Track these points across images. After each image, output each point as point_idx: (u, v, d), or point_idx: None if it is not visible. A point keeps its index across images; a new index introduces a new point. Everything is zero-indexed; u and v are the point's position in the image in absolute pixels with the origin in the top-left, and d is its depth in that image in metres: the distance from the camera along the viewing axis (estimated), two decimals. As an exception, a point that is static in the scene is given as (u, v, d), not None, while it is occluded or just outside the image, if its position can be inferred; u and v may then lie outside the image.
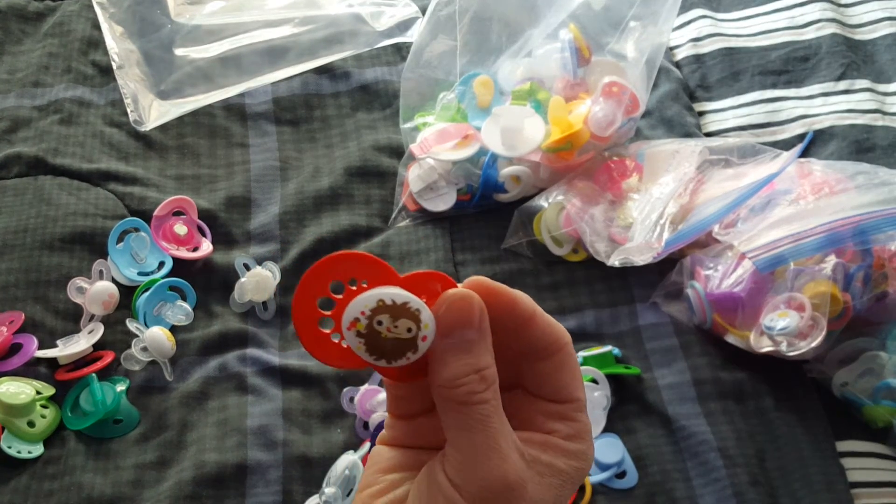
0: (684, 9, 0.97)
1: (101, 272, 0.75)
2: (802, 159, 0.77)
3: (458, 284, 0.32)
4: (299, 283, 0.31)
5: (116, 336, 0.74)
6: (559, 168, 0.79)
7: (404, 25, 0.98)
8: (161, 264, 0.77)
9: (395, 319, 0.30)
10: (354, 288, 0.30)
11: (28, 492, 0.65)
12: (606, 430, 0.67)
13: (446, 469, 0.31)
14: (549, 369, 0.33)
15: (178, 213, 0.80)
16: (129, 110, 0.90)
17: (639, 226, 0.74)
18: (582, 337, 0.73)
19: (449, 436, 0.31)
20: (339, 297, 0.30)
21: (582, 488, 0.64)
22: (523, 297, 0.33)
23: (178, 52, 0.96)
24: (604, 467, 0.64)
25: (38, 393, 0.68)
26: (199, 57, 0.95)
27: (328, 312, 0.31)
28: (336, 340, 0.31)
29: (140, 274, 0.76)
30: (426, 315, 0.30)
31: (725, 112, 0.89)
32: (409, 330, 0.30)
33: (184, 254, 0.78)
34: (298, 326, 0.31)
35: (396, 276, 0.31)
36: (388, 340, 0.30)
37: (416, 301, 0.30)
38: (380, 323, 0.30)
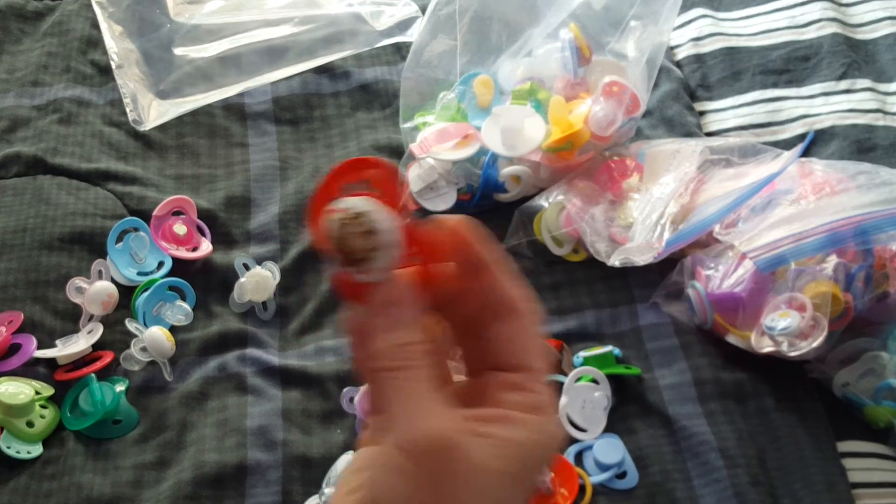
0: (685, 8, 0.97)
1: (100, 272, 0.75)
2: (803, 159, 0.77)
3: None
4: (335, 167, 0.32)
5: (116, 336, 0.74)
6: (559, 168, 0.79)
7: (404, 25, 0.98)
8: (160, 264, 0.77)
9: (363, 230, 0.30)
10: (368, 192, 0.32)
11: (27, 492, 0.65)
12: (607, 430, 0.67)
13: (382, 437, 0.30)
14: (506, 333, 0.33)
15: (177, 213, 0.80)
16: (128, 110, 0.90)
17: (639, 226, 0.73)
18: (582, 337, 0.72)
19: (379, 405, 0.31)
20: (354, 193, 0.32)
21: (582, 488, 0.64)
22: (481, 248, 0.32)
23: (178, 51, 0.96)
24: (604, 468, 0.64)
25: (38, 393, 0.68)
26: (198, 56, 0.95)
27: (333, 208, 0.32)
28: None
29: (139, 274, 0.76)
30: (386, 249, 0.31)
31: (726, 112, 0.89)
32: (370, 249, 0.30)
33: (183, 254, 0.78)
34: (314, 200, 0.32)
35: (398, 202, 0.32)
36: (347, 244, 0.31)
37: (388, 233, 0.31)
38: (349, 225, 0.31)
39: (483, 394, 0.32)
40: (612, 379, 0.68)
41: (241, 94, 0.92)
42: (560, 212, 0.76)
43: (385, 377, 0.31)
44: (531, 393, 0.32)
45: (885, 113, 0.85)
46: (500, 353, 0.33)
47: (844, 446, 0.65)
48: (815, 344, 0.63)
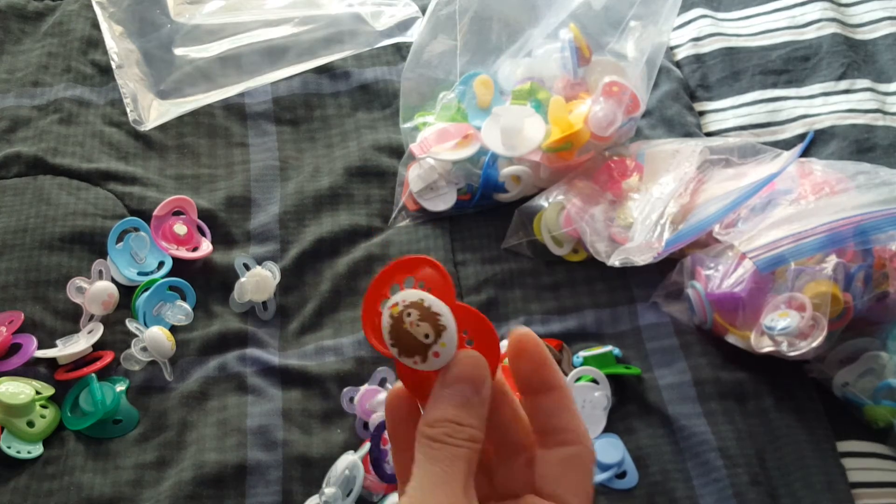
0: (685, 8, 0.97)
1: (100, 272, 0.75)
2: (803, 159, 0.77)
3: (498, 335, 0.33)
4: (388, 266, 0.34)
5: (116, 336, 0.74)
6: (559, 168, 0.79)
7: (404, 25, 0.98)
8: (161, 264, 0.77)
9: (421, 320, 0.32)
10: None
11: (28, 492, 0.65)
12: (607, 430, 0.67)
13: (401, 500, 0.31)
14: (554, 460, 0.33)
15: (177, 213, 0.80)
16: (128, 110, 0.90)
17: (639, 226, 0.73)
18: (582, 337, 0.72)
19: (415, 471, 0.31)
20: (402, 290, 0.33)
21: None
22: (554, 366, 0.33)
23: (178, 51, 0.96)
24: (604, 467, 0.64)
25: (38, 393, 0.68)
26: (198, 56, 0.95)
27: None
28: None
29: (140, 274, 0.76)
30: (449, 335, 0.32)
31: (726, 112, 0.89)
32: (427, 336, 0.32)
33: (183, 254, 0.78)
34: (366, 298, 0.34)
35: (453, 296, 0.33)
36: (407, 335, 0.32)
37: (448, 318, 0.32)
38: (409, 315, 0.32)
39: None
40: (612, 379, 0.68)
41: (241, 94, 0.92)
42: (560, 212, 0.76)
43: (426, 444, 0.31)
44: None
45: (885, 113, 0.85)
46: (545, 479, 0.33)
47: (844, 446, 0.65)
48: (814, 344, 0.63)
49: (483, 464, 0.34)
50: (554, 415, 0.33)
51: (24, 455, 0.66)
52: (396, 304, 0.32)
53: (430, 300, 0.32)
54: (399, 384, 0.35)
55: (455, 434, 0.31)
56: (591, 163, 0.80)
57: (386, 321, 0.32)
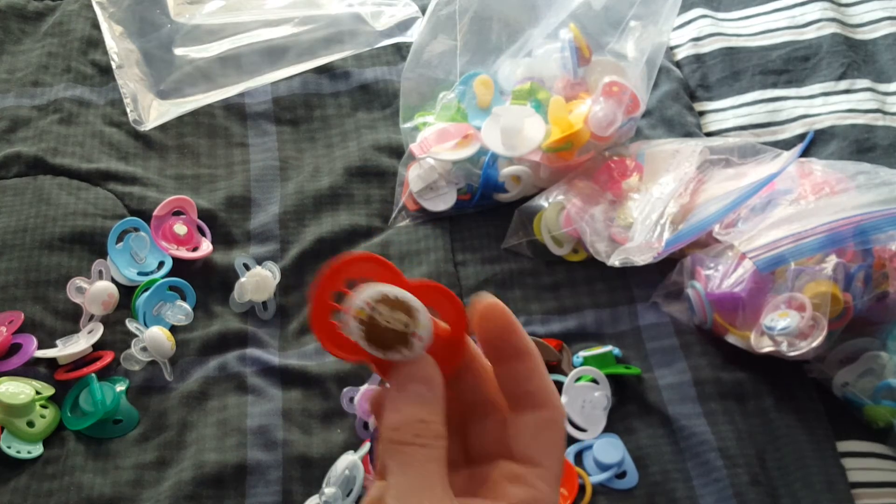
0: (684, 8, 0.97)
1: (100, 272, 0.75)
2: (803, 159, 0.77)
3: (462, 301, 0.33)
4: (316, 278, 0.33)
5: (116, 336, 0.74)
6: (559, 168, 0.79)
7: (404, 25, 0.98)
8: (161, 264, 0.77)
9: (392, 311, 0.31)
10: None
11: (28, 492, 0.65)
12: (607, 430, 0.67)
13: None
14: (532, 425, 0.33)
15: (177, 213, 0.80)
16: (128, 110, 0.90)
17: (639, 226, 0.73)
18: (582, 337, 0.72)
19: (387, 476, 0.31)
20: (351, 292, 0.33)
21: (582, 488, 0.64)
22: (521, 331, 0.33)
23: (178, 51, 0.96)
24: (604, 467, 0.64)
25: (38, 393, 0.68)
26: (198, 57, 0.95)
27: (340, 307, 0.33)
28: (344, 333, 0.33)
29: (140, 274, 0.76)
30: (423, 315, 0.32)
31: (726, 112, 0.89)
32: (406, 325, 0.31)
33: (183, 254, 0.78)
34: (312, 317, 0.33)
35: (404, 279, 0.33)
36: (385, 331, 0.31)
37: (414, 301, 0.32)
38: (379, 314, 0.31)
39: (484, 482, 0.32)
40: (612, 379, 0.68)
41: (241, 95, 0.92)
42: (560, 212, 0.76)
43: (396, 449, 0.31)
44: (534, 490, 0.32)
45: (885, 113, 0.85)
46: (518, 443, 0.33)
47: (844, 446, 0.65)
48: (814, 344, 0.63)
49: (456, 427, 0.34)
50: (525, 379, 0.33)
51: (24, 455, 0.66)
52: (361, 309, 0.31)
53: (391, 289, 0.31)
54: (377, 388, 0.34)
55: (423, 433, 0.31)
56: (591, 163, 0.80)
57: (356, 329, 0.32)
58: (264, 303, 0.76)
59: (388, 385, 0.34)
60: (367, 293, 0.31)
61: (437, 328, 0.33)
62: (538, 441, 0.33)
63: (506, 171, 0.79)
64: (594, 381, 0.68)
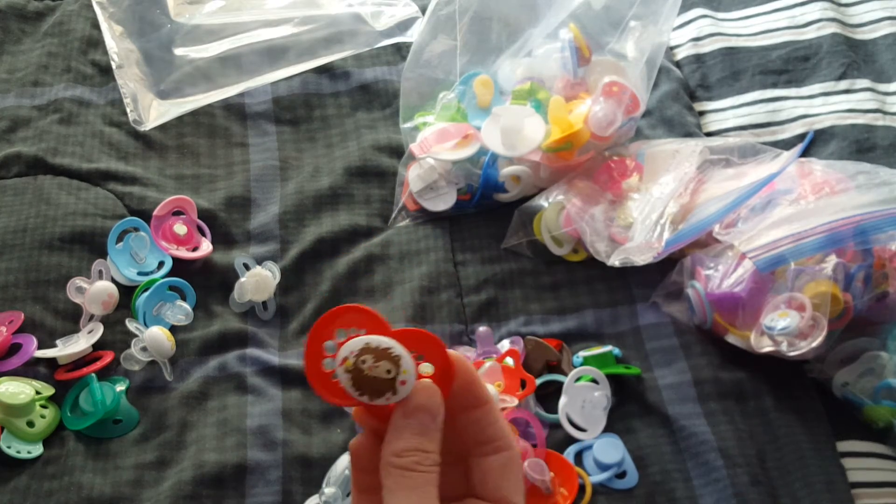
0: (684, 8, 0.97)
1: (100, 272, 0.75)
2: (803, 159, 0.77)
3: (445, 345, 0.36)
4: (311, 328, 0.36)
5: (116, 336, 0.74)
6: (559, 168, 0.79)
7: (404, 25, 0.98)
8: (161, 264, 0.77)
9: (377, 360, 0.34)
10: (353, 335, 0.35)
11: (28, 492, 0.65)
12: (607, 430, 0.67)
13: None
14: (498, 466, 0.37)
15: (177, 213, 0.80)
16: (128, 110, 0.90)
17: (639, 226, 0.73)
18: (582, 337, 0.72)
19: (388, 499, 0.34)
20: (342, 341, 0.35)
21: (582, 488, 0.64)
22: (481, 382, 0.37)
23: (178, 51, 0.96)
24: (604, 467, 0.64)
25: (38, 393, 0.68)
26: (198, 57, 0.95)
27: (332, 355, 0.36)
28: (335, 380, 0.36)
29: (140, 274, 0.76)
30: (406, 362, 0.34)
31: (726, 112, 0.89)
32: (389, 371, 0.34)
33: (183, 253, 0.78)
34: (307, 366, 0.36)
35: (389, 327, 0.35)
36: (371, 379, 0.34)
37: (398, 348, 0.34)
38: (364, 362, 0.34)
39: None
40: (612, 379, 0.68)
41: (241, 94, 0.92)
42: (560, 212, 0.77)
43: (399, 473, 0.34)
44: None
45: (885, 113, 0.85)
46: (487, 483, 0.37)
47: (844, 446, 0.65)
48: (814, 344, 0.63)
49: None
50: (487, 425, 0.37)
51: (24, 455, 0.66)
52: (346, 359, 0.34)
53: (374, 339, 0.34)
54: (359, 437, 0.37)
55: (423, 461, 0.34)
56: (591, 163, 0.80)
57: (344, 378, 0.34)
58: (264, 303, 0.76)
59: (372, 421, 0.36)
60: (352, 344, 0.34)
61: (420, 373, 0.35)
62: (507, 480, 0.37)
63: (506, 171, 0.79)
64: (594, 381, 0.68)
